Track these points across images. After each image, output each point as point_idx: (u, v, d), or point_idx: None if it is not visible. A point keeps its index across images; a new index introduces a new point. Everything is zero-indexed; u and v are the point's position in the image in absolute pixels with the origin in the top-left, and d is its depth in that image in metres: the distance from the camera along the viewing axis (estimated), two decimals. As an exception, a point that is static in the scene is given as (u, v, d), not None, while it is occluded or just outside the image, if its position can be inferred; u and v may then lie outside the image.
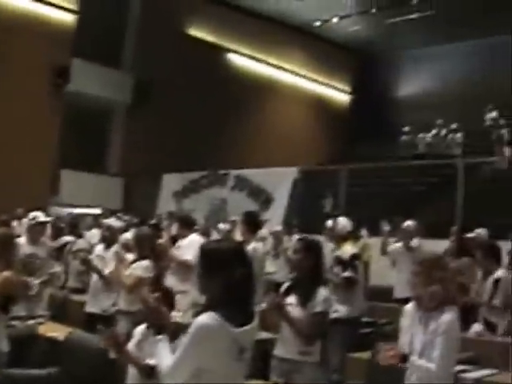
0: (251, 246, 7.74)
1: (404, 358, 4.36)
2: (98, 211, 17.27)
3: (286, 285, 5.43)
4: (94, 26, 20.61)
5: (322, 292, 5.08)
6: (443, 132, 21.17)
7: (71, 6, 19.92)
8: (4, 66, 18.11)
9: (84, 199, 19.14)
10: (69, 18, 19.90)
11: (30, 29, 18.80)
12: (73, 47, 19.63)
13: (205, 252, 3.48)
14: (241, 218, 8.56)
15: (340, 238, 7.96)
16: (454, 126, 20.84)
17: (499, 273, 7.60)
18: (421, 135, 21.58)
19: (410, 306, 4.52)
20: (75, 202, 18.73)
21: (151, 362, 4.43)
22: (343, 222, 8.19)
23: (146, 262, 7.40)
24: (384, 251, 10.48)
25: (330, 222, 8.69)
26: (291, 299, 5.18)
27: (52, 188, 19.13)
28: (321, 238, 9.21)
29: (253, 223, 8.27)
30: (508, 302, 7.43)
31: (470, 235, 9.92)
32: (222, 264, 3.36)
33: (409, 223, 10.27)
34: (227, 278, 3.31)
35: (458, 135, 20.65)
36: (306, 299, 5.08)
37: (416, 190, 19.22)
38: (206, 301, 3.39)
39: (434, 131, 21.44)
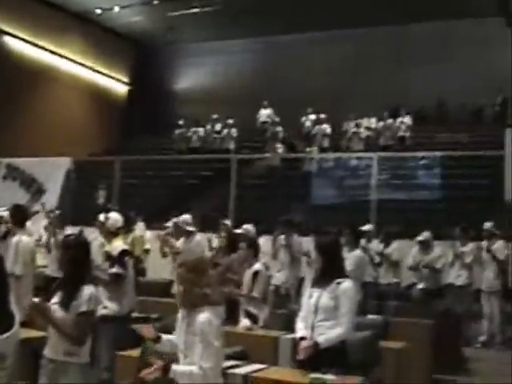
0: (16, 239, 7.52)
1: (166, 369, 4.32)
2: None
3: (55, 284, 5.20)
4: None
5: (87, 290, 4.90)
6: (218, 126, 21.53)
7: None
8: None
9: None
10: None
11: None
12: None
13: None
14: (8, 210, 8.34)
15: (110, 234, 7.80)
16: (229, 120, 21.24)
17: (257, 266, 7.94)
18: (193, 129, 21.79)
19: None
20: None
21: None
22: (114, 217, 8.02)
23: None
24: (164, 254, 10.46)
25: (101, 217, 8.47)
26: (56, 299, 4.97)
27: None
28: (92, 231, 9.09)
29: (19, 216, 8.05)
30: (265, 293, 7.80)
31: (238, 231, 10.20)
32: None
33: (184, 217, 10.34)
34: None
35: (233, 130, 21.07)
36: (69, 299, 4.88)
37: (190, 183, 19.45)
38: None
39: (208, 125, 21.76)
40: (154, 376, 4.36)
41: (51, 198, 15.87)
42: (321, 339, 5.37)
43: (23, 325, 3.47)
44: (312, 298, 5.60)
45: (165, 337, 4.62)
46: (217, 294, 4.59)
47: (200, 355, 4.27)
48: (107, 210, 9.01)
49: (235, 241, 9.07)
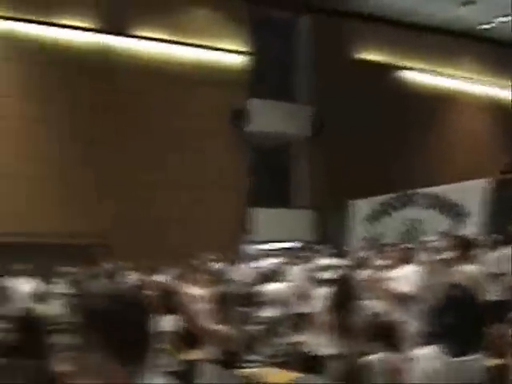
0: (462, 268, 7.56)
1: None
2: (292, 245, 17.57)
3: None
4: (267, 65, 21.17)
5: None
6: None
7: (242, 49, 20.68)
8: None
9: (277, 235, 19.36)
10: (240, 61, 20.63)
11: (205, 76, 19.67)
12: (249, 88, 20.34)
13: None
14: (453, 242, 8.36)
15: None
16: None
17: None
18: None
19: None
20: (269, 239, 19.06)
21: None
22: None
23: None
24: None
25: None
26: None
27: (243, 227, 19.63)
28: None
29: (463, 246, 8.09)
30: None
31: None
32: None
33: None
34: None
35: None
36: None
37: None
38: None
39: None
40: None
41: (473, 221, 15.91)
42: None
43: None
44: None
45: None
46: None
47: None
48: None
49: None
